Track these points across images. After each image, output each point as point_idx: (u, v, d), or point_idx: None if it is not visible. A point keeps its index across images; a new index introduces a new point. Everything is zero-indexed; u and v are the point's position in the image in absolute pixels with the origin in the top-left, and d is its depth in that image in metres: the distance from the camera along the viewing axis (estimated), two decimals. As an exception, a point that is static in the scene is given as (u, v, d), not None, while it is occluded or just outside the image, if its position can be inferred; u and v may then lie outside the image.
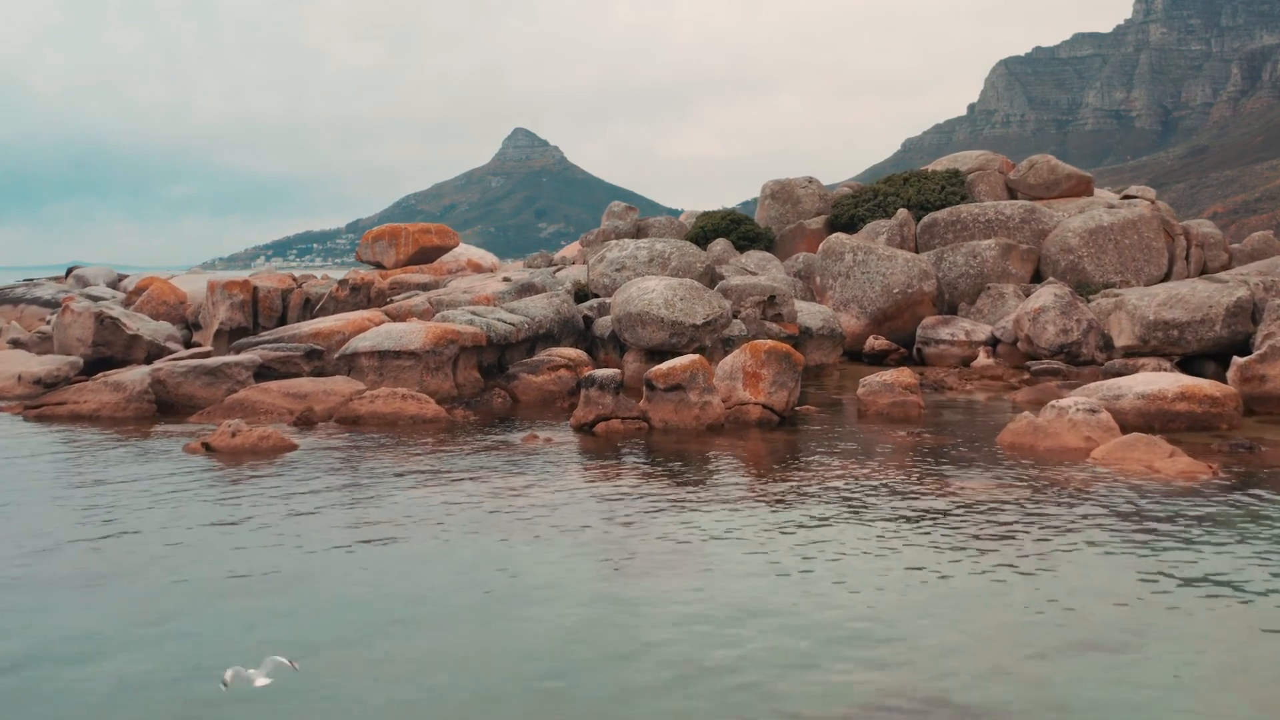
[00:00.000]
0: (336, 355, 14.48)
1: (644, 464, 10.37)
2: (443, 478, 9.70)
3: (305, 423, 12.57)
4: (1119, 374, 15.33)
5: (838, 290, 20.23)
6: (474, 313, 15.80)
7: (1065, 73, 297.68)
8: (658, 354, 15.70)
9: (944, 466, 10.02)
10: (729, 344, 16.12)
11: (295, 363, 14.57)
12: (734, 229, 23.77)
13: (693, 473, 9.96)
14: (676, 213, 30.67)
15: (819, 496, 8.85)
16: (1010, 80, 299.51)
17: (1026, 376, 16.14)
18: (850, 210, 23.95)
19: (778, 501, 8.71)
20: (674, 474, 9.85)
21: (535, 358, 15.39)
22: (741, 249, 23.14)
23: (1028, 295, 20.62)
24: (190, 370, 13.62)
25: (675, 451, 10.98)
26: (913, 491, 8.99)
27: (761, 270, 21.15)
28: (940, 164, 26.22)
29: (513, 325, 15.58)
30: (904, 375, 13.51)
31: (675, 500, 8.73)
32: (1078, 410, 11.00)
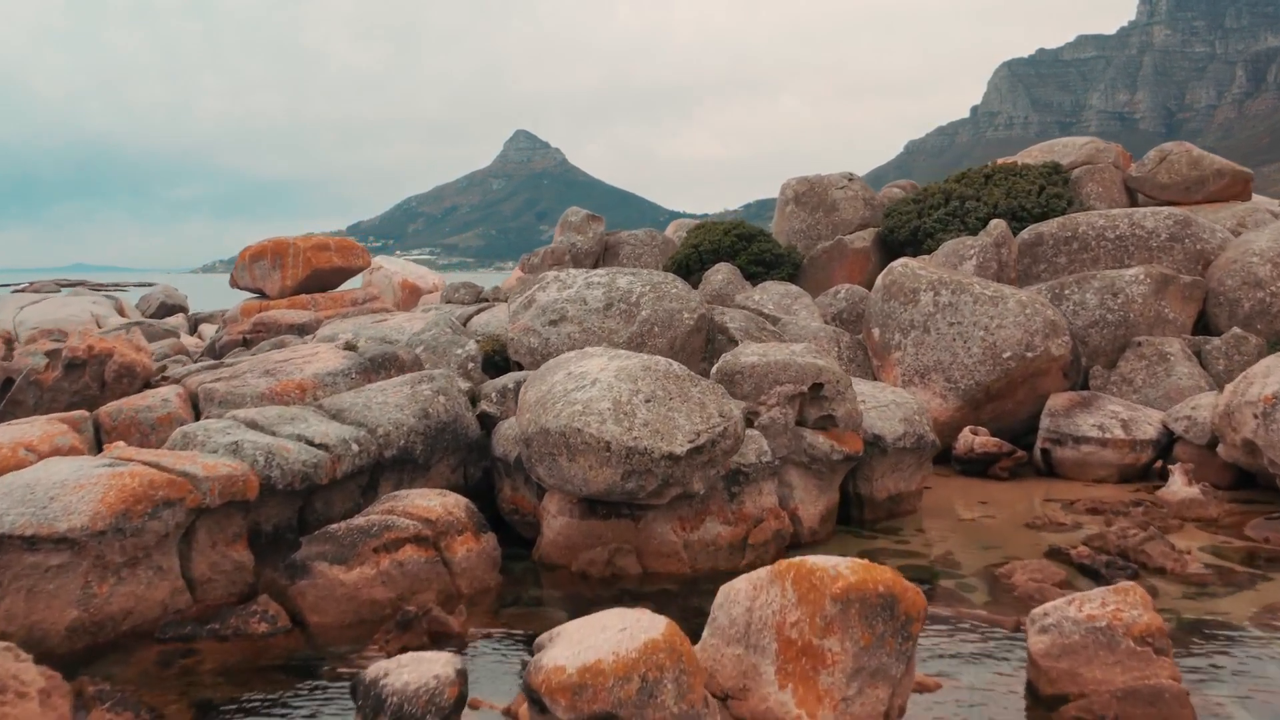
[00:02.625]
0: (-85, 537, 6.94)
1: None
2: None
3: None
4: None
5: (910, 351, 12.69)
6: (253, 425, 8.25)
7: (1068, 74, 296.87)
8: (603, 505, 8.22)
9: None
10: (738, 482, 8.59)
11: None
12: (743, 249, 16.24)
13: None
14: (676, 215, 23.01)
15: None
16: (1013, 82, 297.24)
17: (1297, 540, 8.64)
18: (912, 220, 16.42)
19: None
20: None
21: (362, 517, 7.84)
22: (754, 277, 15.68)
23: (1198, 354, 13.24)
24: None
25: None
26: None
27: (787, 313, 13.67)
28: (1031, 154, 18.73)
29: (324, 451, 8.05)
30: (1131, 600, 5.97)
31: None
32: None
